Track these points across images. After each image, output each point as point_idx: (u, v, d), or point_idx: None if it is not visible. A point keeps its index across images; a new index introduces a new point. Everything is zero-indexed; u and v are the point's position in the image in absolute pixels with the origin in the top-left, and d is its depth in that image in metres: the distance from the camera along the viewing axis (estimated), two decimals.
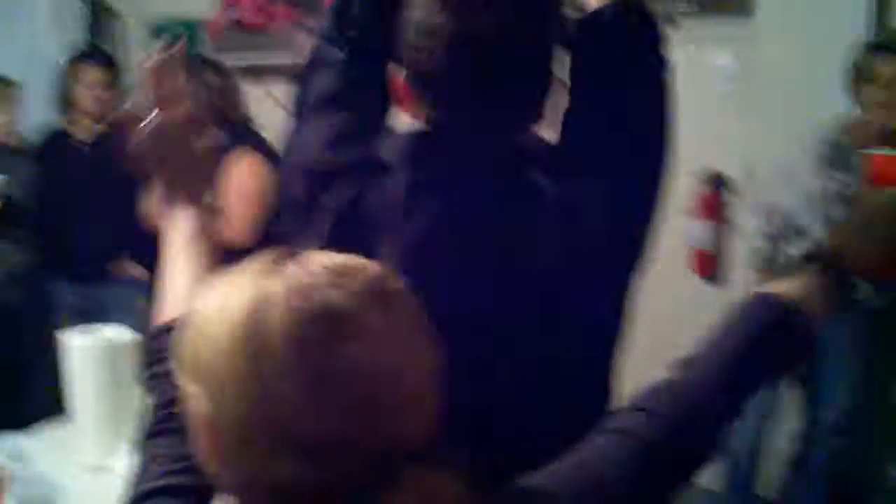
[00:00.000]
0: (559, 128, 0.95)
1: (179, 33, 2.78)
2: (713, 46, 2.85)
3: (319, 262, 0.61)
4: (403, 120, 0.98)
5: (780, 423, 2.78)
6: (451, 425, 0.74)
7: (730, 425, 0.76)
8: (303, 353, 0.55)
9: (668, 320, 3.01)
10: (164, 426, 0.77)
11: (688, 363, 0.77)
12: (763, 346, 0.76)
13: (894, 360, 2.46)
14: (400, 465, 0.57)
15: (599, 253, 0.89)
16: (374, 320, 0.58)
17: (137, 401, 1.63)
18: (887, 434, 2.48)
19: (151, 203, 2.75)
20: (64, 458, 1.59)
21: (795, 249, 2.49)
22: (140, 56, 3.58)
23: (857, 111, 2.38)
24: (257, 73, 3.22)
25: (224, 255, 1.02)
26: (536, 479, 0.68)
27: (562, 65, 0.95)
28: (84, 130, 2.91)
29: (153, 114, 0.93)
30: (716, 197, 2.84)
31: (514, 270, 0.87)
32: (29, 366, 2.74)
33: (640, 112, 0.94)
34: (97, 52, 2.99)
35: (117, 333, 1.62)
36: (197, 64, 2.71)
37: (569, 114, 0.95)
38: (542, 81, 0.93)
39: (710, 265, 2.79)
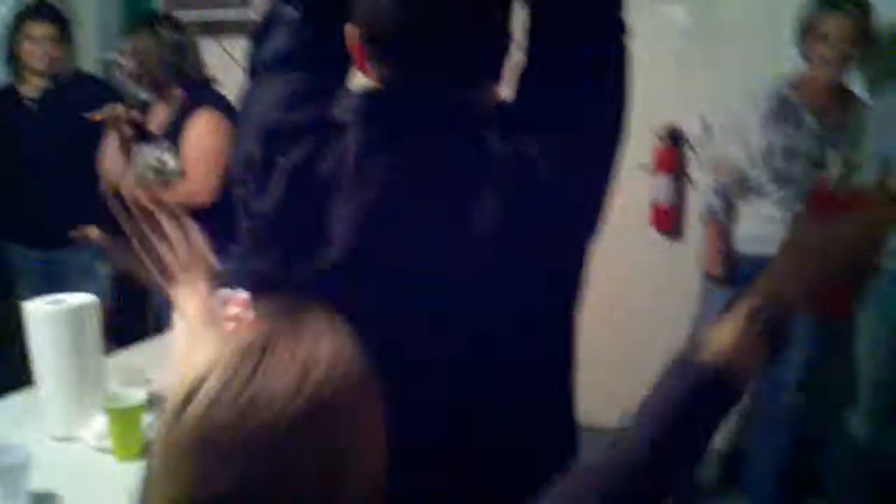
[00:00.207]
0: (515, 87, 0.96)
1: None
2: (669, 3, 2.87)
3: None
4: (361, 80, 0.98)
5: None
6: (406, 376, 0.76)
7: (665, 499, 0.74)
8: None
9: (626, 274, 3.07)
10: None
11: (609, 452, 0.75)
12: (691, 422, 0.74)
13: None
14: None
15: (553, 212, 0.90)
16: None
17: (102, 367, 1.63)
18: (844, 387, 2.54)
19: (107, 161, 2.72)
20: (31, 427, 1.57)
21: (742, 203, 2.56)
22: (91, 10, 3.49)
23: (806, 67, 2.42)
24: (215, 29, 3.15)
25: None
26: None
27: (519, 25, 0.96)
28: (33, 87, 2.83)
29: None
30: (673, 152, 2.88)
31: (467, 229, 0.87)
32: None
33: (597, 72, 0.94)
34: (45, 6, 2.88)
35: (80, 300, 1.59)
36: (153, 20, 2.66)
37: (524, 73, 0.95)
38: (495, 40, 0.93)
39: (667, 220, 2.84)
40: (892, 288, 2.27)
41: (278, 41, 1.01)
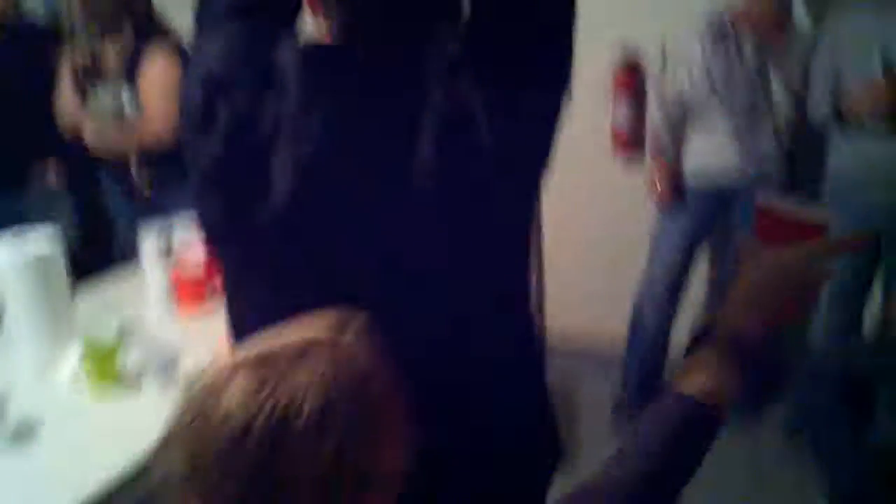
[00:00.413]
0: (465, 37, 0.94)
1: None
2: None
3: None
4: (308, 31, 0.98)
5: None
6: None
7: None
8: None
9: (588, 199, 3.12)
10: None
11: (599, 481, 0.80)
12: (680, 454, 0.81)
13: None
14: None
15: (495, 163, 0.89)
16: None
17: (71, 304, 1.65)
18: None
19: (63, 104, 2.68)
20: (4, 366, 1.60)
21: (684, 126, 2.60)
22: None
23: None
24: None
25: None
26: None
27: None
28: None
29: None
30: (631, 76, 2.90)
31: (412, 179, 0.87)
32: None
33: (546, 18, 0.93)
34: None
35: (43, 242, 1.59)
36: None
37: (471, 21, 0.94)
38: None
39: (625, 144, 2.88)
40: None
41: None
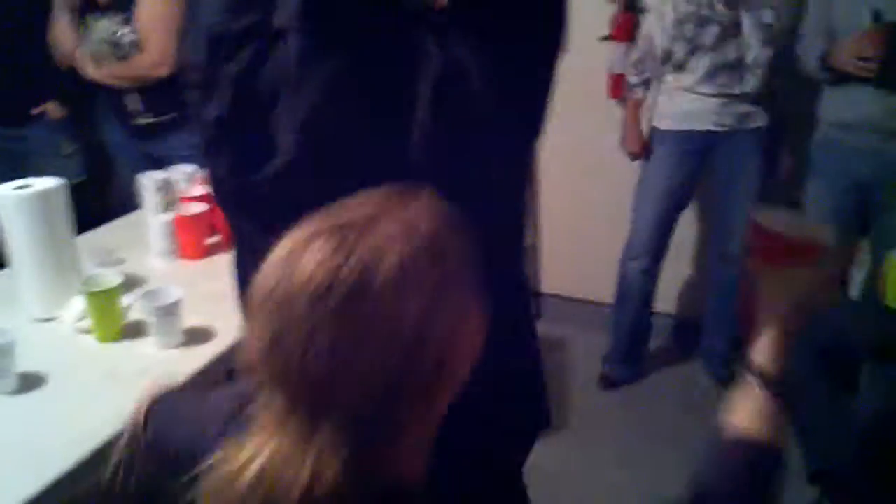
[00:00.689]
0: None
1: None
2: None
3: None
4: None
5: None
6: None
7: None
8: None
9: (582, 141, 3.13)
10: None
11: None
12: (755, 496, 0.80)
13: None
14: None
15: (492, 118, 0.90)
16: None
17: (75, 248, 1.67)
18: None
19: (58, 37, 2.65)
20: (10, 309, 1.62)
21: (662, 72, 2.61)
22: None
23: None
24: None
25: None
26: None
27: None
28: None
29: None
30: (629, 19, 2.87)
31: (406, 135, 0.88)
32: None
33: None
34: None
35: (46, 181, 1.59)
36: None
37: None
38: None
39: (622, 87, 2.86)
40: None
41: None
